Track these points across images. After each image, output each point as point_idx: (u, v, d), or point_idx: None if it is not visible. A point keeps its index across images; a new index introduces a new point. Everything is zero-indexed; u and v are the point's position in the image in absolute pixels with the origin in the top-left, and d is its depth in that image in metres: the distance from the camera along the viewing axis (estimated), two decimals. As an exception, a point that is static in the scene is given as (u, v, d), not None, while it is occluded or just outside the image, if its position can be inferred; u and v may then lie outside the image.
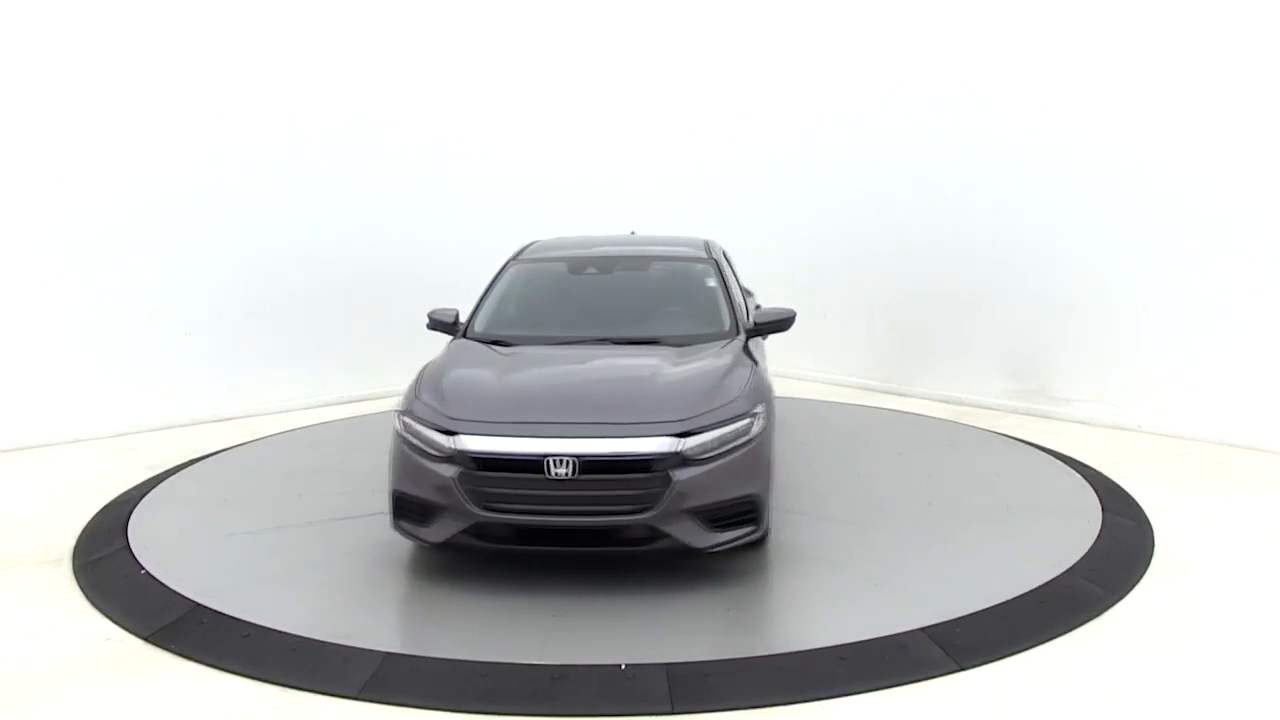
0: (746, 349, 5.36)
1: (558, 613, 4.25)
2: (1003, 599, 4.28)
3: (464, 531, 4.42)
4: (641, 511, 4.25)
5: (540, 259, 6.35)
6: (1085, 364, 7.80)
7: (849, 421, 7.75)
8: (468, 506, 4.35)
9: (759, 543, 4.75)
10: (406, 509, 4.59)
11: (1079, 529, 5.17)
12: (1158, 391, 7.36)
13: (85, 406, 7.47)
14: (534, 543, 4.45)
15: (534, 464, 4.29)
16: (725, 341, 5.35)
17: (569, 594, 4.45)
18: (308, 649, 3.94)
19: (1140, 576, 4.63)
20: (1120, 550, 4.94)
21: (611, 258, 6.38)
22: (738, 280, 6.44)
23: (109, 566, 4.85)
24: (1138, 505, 5.63)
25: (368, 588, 4.56)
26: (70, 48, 7.27)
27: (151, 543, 5.10)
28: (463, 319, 5.83)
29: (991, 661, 3.80)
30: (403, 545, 4.91)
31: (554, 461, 4.25)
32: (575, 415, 4.48)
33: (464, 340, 5.63)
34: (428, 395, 4.79)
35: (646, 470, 4.27)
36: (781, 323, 5.64)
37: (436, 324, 5.82)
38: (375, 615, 4.27)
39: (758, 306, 6.96)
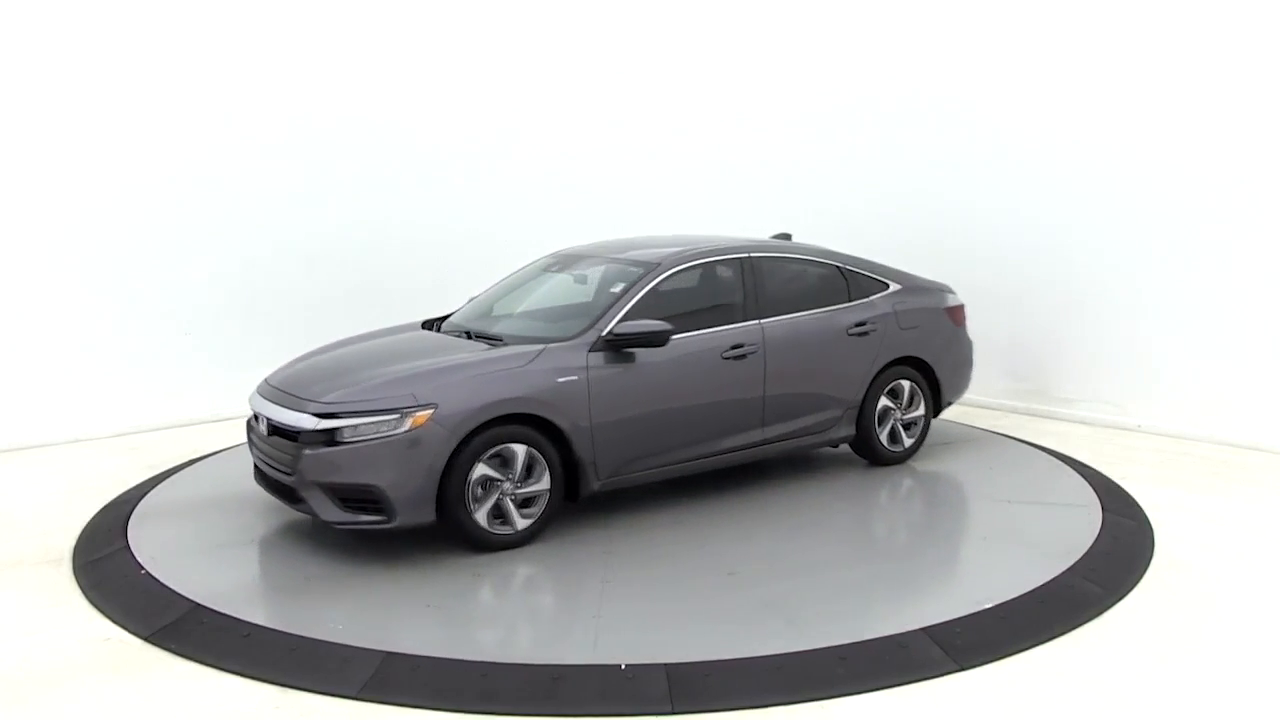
0: (576, 356, 5.06)
1: (596, 614, 4.24)
2: (1003, 599, 4.28)
3: (255, 468, 5.34)
4: (290, 475, 4.82)
5: (549, 255, 6.47)
6: (1085, 364, 7.80)
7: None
8: (249, 451, 5.38)
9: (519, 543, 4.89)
10: None
11: (1079, 529, 5.17)
12: (1158, 391, 7.36)
13: (85, 406, 7.46)
14: (273, 492, 5.16)
15: (254, 421, 5.27)
16: (542, 345, 5.08)
17: (570, 595, 4.45)
18: (308, 649, 3.94)
19: (1140, 576, 4.63)
20: (1120, 550, 4.94)
21: (579, 258, 6.25)
22: (750, 287, 5.79)
23: (109, 566, 4.85)
24: (1138, 505, 5.63)
25: (368, 587, 4.56)
26: (71, 48, 7.26)
27: (151, 543, 5.10)
28: None
29: (991, 661, 3.80)
30: (402, 545, 4.92)
31: (258, 419, 5.18)
32: (285, 387, 5.14)
33: (415, 323, 6.16)
34: None
35: (294, 440, 4.82)
36: (647, 336, 5.14)
37: None
38: (376, 614, 4.27)
39: (858, 325, 6.14)
